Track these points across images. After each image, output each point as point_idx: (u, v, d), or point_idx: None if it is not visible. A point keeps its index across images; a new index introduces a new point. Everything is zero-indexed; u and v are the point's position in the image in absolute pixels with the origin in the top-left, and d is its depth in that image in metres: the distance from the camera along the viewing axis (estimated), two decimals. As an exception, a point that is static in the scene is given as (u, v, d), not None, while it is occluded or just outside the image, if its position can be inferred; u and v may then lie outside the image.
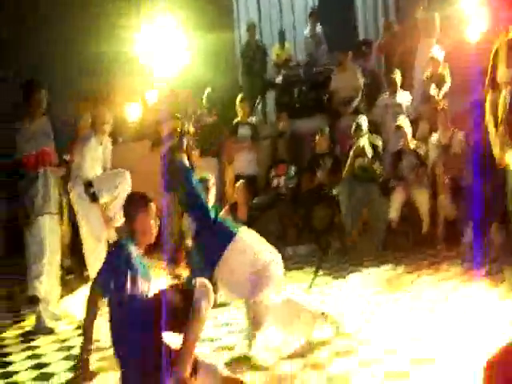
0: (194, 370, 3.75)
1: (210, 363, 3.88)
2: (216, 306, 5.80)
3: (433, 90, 9.76)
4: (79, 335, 5.90)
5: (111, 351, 4.07)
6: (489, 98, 5.89)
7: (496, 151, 5.88)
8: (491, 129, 5.87)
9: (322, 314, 5.14)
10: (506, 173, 5.91)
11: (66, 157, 7.83)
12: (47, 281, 6.29)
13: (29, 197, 6.28)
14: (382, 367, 4.41)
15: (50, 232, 6.38)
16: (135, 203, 4.11)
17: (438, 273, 6.85)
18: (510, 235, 6.90)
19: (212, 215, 5.04)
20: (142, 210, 4.06)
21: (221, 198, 9.23)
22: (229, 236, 4.92)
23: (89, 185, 6.79)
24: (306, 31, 13.63)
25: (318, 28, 13.33)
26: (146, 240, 4.12)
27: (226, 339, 5.39)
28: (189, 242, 6.42)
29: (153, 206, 4.12)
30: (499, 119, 5.78)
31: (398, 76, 10.02)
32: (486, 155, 6.76)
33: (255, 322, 4.89)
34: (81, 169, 6.82)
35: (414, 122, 9.27)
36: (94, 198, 6.78)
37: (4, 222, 7.39)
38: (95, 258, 6.89)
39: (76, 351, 5.44)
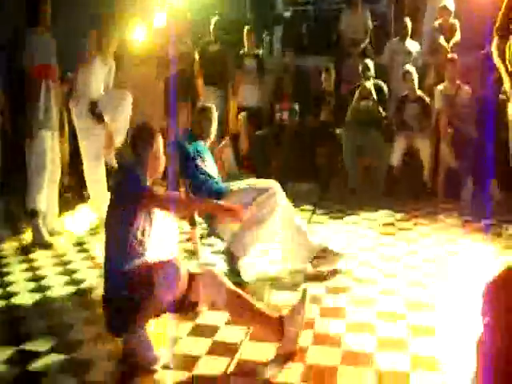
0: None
1: (212, 274, 3.82)
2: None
3: (442, 40, 9.67)
4: (76, 251, 6.00)
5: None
6: (495, 42, 5.84)
7: (507, 86, 5.91)
8: (501, 66, 5.83)
9: (324, 248, 5.22)
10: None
11: (70, 75, 7.74)
12: (47, 196, 6.31)
13: (31, 110, 6.24)
14: (376, 307, 4.48)
15: (50, 148, 6.37)
16: (146, 135, 4.04)
17: (435, 223, 6.85)
18: (509, 191, 6.95)
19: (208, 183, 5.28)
20: (152, 142, 4.01)
21: (224, 128, 9.22)
22: (224, 190, 5.18)
23: (94, 106, 6.75)
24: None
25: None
26: (154, 174, 4.10)
27: (222, 265, 5.39)
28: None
29: (161, 139, 4.08)
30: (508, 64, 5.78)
31: (408, 23, 9.91)
32: (492, 110, 6.78)
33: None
34: (85, 90, 6.76)
35: (421, 72, 9.19)
36: (99, 118, 6.75)
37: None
38: (94, 178, 6.92)
39: (73, 266, 5.52)
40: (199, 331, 4.13)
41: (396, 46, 9.96)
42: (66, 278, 5.21)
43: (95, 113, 6.71)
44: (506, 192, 7.40)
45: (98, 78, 6.87)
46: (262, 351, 3.78)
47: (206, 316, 4.29)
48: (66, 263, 5.63)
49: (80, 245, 6.22)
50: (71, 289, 4.97)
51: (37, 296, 4.82)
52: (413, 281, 5.00)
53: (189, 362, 3.70)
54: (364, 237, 6.37)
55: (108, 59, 7.04)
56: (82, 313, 4.52)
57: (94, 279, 5.16)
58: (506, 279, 2.26)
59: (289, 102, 9.13)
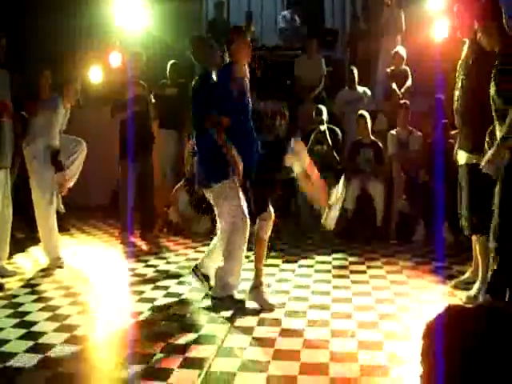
0: None
1: None
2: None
3: (394, 86, 9.87)
4: (27, 293, 5.88)
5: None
6: None
7: None
8: None
9: None
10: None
11: (25, 114, 7.65)
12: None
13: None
14: (329, 349, 4.46)
15: (2, 186, 6.25)
16: None
17: (387, 265, 6.90)
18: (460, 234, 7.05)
19: None
20: None
21: (179, 171, 9.23)
22: None
23: (56, 155, 6.68)
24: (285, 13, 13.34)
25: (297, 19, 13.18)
26: None
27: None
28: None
29: None
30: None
31: (355, 72, 10.07)
32: (443, 154, 6.91)
33: None
34: (43, 133, 6.68)
35: (373, 117, 9.32)
36: (60, 167, 6.69)
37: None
38: (45, 223, 6.80)
39: (24, 309, 5.40)
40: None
41: (347, 94, 10.13)
42: (16, 321, 5.07)
43: (57, 162, 6.65)
44: (457, 234, 7.50)
45: (59, 123, 6.82)
46: None
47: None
48: (17, 305, 5.49)
49: (31, 287, 6.11)
50: (21, 332, 4.84)
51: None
52: (365, 322, 5.01)
53: None
54: (317, 280, 6.37)
55: (67, 104, 6.97)
56: (34, 358, 4.36)
57: (44, 322, 5.06)
58: (439, 321, 2.30)
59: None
